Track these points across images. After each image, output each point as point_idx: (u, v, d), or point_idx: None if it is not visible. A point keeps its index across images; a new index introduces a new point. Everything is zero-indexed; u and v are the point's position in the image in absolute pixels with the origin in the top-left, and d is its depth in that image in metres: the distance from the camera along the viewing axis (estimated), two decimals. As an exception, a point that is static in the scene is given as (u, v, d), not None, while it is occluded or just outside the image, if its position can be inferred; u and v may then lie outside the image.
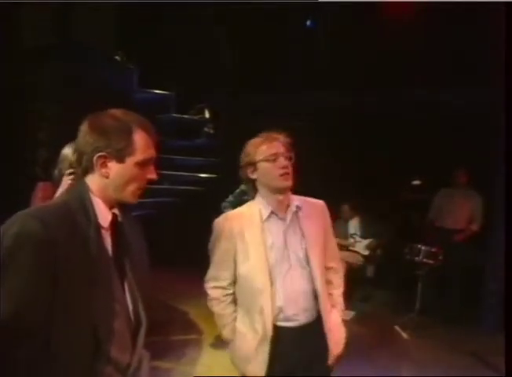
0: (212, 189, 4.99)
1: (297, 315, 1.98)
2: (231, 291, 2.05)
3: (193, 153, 5.57)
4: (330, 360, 2.04)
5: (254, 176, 2.01)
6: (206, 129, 5.87)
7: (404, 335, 4.73)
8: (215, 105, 6.38)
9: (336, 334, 2.08)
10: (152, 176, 1.42)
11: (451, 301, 5.20)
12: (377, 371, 3.85)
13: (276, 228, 2.01)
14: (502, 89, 2.66)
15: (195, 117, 5.85)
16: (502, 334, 4.21)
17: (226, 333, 2.07)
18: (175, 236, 6.34)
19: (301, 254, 2.01)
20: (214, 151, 5.68)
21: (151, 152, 1.41)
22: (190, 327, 4.58)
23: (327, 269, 2.13)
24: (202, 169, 5.58)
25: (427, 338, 4.63)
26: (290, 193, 2.05)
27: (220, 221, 2.04)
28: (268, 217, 2.01)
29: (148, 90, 5.23)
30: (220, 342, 3.83)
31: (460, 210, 5.40)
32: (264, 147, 1.99)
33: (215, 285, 2.06)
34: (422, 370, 3.98)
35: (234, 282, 2.03)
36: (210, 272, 2.08)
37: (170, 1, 5.23)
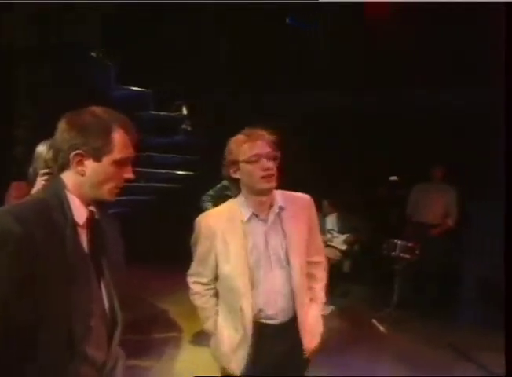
0: (190, 186, 4.98)
1: (276, 314, 2.01)
2: (212, 286, 2.07)
3: (171, 150, 5.53)
4: (307, 353, 2.07)
5: (236, 175, 1.97)
6: (184, 126, 5.83)
7: (382, 329, 4.80)
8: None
9: (312, 328, 2.10)
10: (129, 175, 1.41)
11: (427, 295, 5.28)
12: (354, 365, 3.92)
13: (256, 230, 1.99)
14: (502, 89, 2.65)
15: (172, 114, 5.80)
16: (478, 327, 4.58)
17: (208, 326, 2.09)
18: (155, 234, 6.33)
19: (282, 255, 2.00)
20: (192, 149, 5.64)
21: (130, 152, 1.39)
22: (170, 324, 4.59)
23: (311, 263, 2.14)
24: (181, 166, 5.54)
25: (404, 332, 4.71)
26: (273, 193, 2.02)
27: (200, 220, 2.04)
28: (249, 219, 1.99)
29: (126, 87, 5.21)
30: (199, 339, 3.86)
31: (436, 205, 5.52)
32: (246, 146, 1.93)
33: (197, 280, 2.08)
34: (399, 363, 4.04)
35: (215, 278, 2.04)
36: (193, 268, 2.10)
37: (170, 2, 5.23)
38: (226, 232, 1.98)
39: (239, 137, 1.97)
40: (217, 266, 2.01)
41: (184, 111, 5.90)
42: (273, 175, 1.93)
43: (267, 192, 1.98)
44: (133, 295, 4.48)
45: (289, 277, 2.00)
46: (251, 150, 1.92)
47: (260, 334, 2.00)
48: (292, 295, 2.01)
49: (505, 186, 2.30)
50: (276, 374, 2.03)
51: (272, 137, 1.98)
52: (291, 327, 2.03)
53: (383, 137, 6.02)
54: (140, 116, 5.10)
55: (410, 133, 5.82)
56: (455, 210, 5.44)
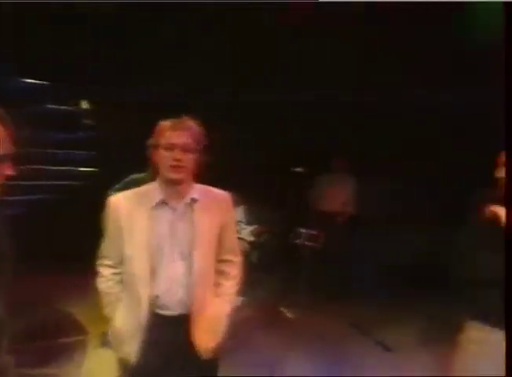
0: (94, 183, 4.90)
1: (174, 305, 1.99)
2: (119, 271, 2.05)
3: (73, 146, 5.36)
4: (204, 353, 2.02)
5: (155, 159, 2.00)
6: (86, 122, 5.67)
7: (290, 315, 5.00)
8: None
9: (211, 325, 2.06)
10: (9, 172, 1.33)
11: (332, 279, 5.64)
12: (264, 351, 4.08)
13: (164, 217, 1.99)
14: (502, 89, 2.65)
15: (71, 108, 5.60)
16: (377, 307, 5.14)
17: (108, 312, 2.07)
18: (57, 234, 5.99)
19: (186, 247, 1.99)
20: (95, 145, 5.53)
21: (7, 148, 1.31)
22: (75, 328, 4.50)
23: (224, 261, 2.15)
24: (83, 163, 5.38)
25: (311, 316, 4.94)
26: (189, 184, 2.03)
27: (112, 200, 2.05)
28: (158, 205, 1.99)
29: (22, 80, 4.96)
30: (105, 341, 3.77)
31: (337, 195, 6.00)
32: (167, 133, 1.95)
33: (105, 263, 2.07)
34: (307, 346, 4.26)
35: (122, 262, 2.03)
36: (102, 250, 2.09)
37: (170, 1, 5.22)
38: (133, 214, 1.98)
39: (165, 122, 2.00)
40: (122, 249, 2.00)
41: (84, 106, 5.70)
42: (183, 167, 1.95)
43: (175, 182, 1.98)
44: (34, 300, 4.39)
45: (190, 269, 1.99)
46: (169, 138, 1.94)
47: (156, 324, 1.98)
48: (193, 288, 2.00)
49: (505, 186, 2.29)
50: (172, 367, 1.99)
51: (198, 129, 2.00)
52: (189, 321, 2.01)
53: (291, 128, 6.27)
54: (35, 110, 4.87)
55: (315, 125, 6.12)
56: (353, 199, 5.95)
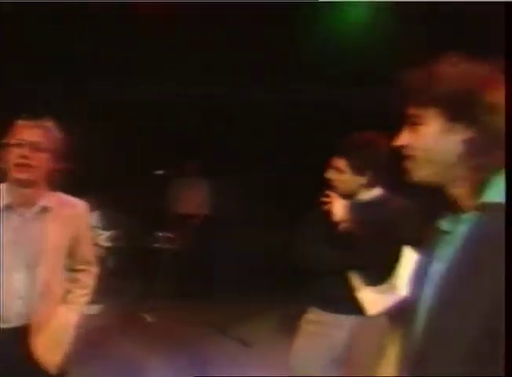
0: None
1: (12, 317, 1.89)
2: None
3: None
4: (49, 367, 1.91)
5: (5, 158, 1.87)
6: None
7: (149, 319, 5.01)
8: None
9: (55, 337, 1.95)
10: None
11: (190, 281, 5.70)
12: (123, 361, 4.03)
13: (9, 223, 1.86)
14: (504, 91, 2.66)
15: None
16: (235, 306, 5.27)
17: None
18: None
19: (31, 257, 1.88)
20: None
21: None
22: None
23: (77, 271, 2.07)
24: None
25: (171, 319, 5.06)
26: (41, 189, 1.91)
27: None
28: (3, 209, 1.86)
29: None
30: None
31: (192, 197, 6.17)
32: (18, 130, 1.85)
33: None
34: (167, 350, 4.29)
35: None
36: None
37: (169, 2, 5.20)
38: None
39: (20, 121, 1.90)
40: None
41: None
42: (31, 167, 1.82)
43: (23, 184, 1.86)
44: None
45: (34, 280, 1.88)
46: (19, 134, 1.84)
47: None
48: (35, 299, 1.90)
49: (505, 186, 2.30)
50: None
51: (55, 131, 1.90)
52: (30, 333, 1.91)
53: (150, 129, 6.31)
54: None
55: (170, 127, 6.21)
56: (208, 200, 6.15)
